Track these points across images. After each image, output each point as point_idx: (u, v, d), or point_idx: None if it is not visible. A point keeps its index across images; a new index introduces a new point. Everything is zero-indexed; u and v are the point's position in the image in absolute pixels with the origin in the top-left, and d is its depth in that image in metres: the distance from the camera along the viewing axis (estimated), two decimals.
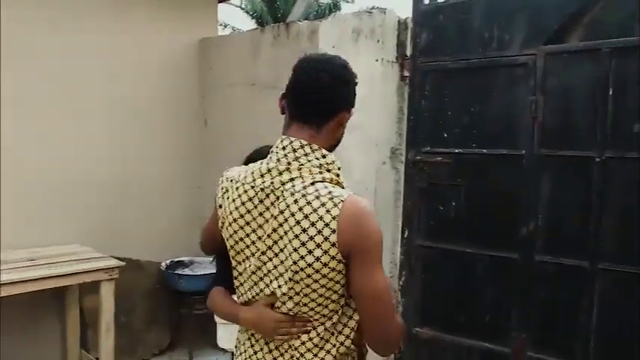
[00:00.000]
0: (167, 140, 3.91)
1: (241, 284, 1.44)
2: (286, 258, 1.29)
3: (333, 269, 1.26)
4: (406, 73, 3.34)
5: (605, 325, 2.55)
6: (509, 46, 2.85)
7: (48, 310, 3.39)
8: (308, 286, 1.28)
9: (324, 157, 1.35)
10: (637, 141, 2.48)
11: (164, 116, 3.89)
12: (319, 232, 1.24)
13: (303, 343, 1.34)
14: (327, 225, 1.24)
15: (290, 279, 1.29)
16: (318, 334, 1.33)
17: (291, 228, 1.27)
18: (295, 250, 1.26)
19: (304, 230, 1.25)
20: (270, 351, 1.39)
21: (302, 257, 1.25)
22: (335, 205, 1.24)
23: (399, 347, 1.84)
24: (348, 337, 1.35)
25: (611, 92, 2.54)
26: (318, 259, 1.24)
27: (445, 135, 3.07)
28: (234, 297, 1.51)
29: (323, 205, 1.25)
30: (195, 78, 4.05)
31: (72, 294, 3.37)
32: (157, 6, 3.80)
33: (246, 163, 1.61)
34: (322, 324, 1.33)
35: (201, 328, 3.95)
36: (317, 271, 1.25)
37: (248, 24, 15.92)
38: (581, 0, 2.64)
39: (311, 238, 1.24)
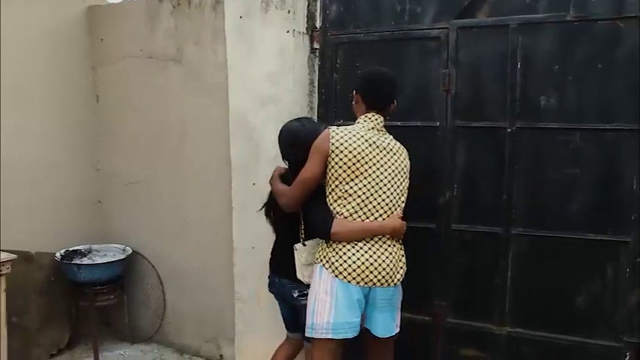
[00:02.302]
0: (54, 119, 3.53)
1: (360, 208, 2.27)
2: (401, 184, 2.36)
3: None
4: (316, 46, 3.27)
5: (519, 286, 2.70)
6: (421, 19, 2.87)
7: None
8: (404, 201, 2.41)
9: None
10: (544, 112, 2.62)
11: (49, 93, 3.51)
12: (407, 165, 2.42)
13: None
14: (407, 163, 2.44)
15: (403, 201, 2.39)
16: None
17: (401, 163, 2.37)
18: (404, 178, 2.38)
19: (405, 165, 2.40)
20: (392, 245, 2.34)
21: (405, 182, 2.38)
22: (406, 152, 2.44)
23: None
24: None
25: (519, 66, 2.65)
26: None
27: None
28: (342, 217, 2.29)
29: (405, 152, 2.43)
30: (85, 50, 3.68)
31: None
32: None
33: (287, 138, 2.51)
34: None
35: (105, 320, 3.70)
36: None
37: None
38: None
39: (407, 168, 2.42)
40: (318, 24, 3.24)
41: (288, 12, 3.14)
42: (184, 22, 3.32)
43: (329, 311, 2.24)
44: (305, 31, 3.23)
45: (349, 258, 2.25)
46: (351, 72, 3.03)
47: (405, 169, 2.40)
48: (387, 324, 2.37)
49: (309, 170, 2.31)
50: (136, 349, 3.57)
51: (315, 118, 3.27)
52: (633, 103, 2.48)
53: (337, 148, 2.26)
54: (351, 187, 2.26)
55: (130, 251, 3.53)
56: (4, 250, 2.84)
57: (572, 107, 2.59)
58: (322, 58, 3.19)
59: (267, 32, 3.15)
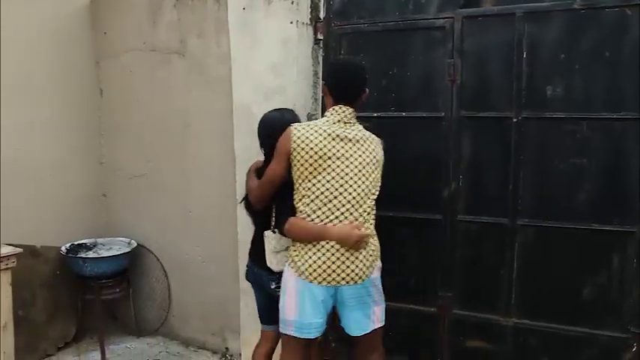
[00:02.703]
0: (58, 113, 3.52)
1: (319, 207, 2.17)
2: (370, 175, 2.23)
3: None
4: (320, 36, 3.25)
5: (526, 278, 2.69)
6: (426, 9, 2.85)
7: None
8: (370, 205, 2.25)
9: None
10: (550, 101, 2.60)
11: (53, 87, 3.49)
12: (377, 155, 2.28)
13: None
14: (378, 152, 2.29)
15: (373, 193, 2.26)
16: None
17: (369, 154, 2.24)
18: (374, 169, 2.25)
19: (374, 155, 2.26)
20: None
21: (374, 174, 2.25)
22: (378, 141, 2.31)
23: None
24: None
25: (525, 55, 2.63)
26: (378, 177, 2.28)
27: None
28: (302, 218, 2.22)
29: (376, 141, 2.30)
30: (88, 44, 3.67)
31: None
32: None
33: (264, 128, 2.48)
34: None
35: (110, 314, 3.71)
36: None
37: None
38: None
39: (377, 159, 2.28)
40: (321, 14, 3.22)
41: (292, 3, 3.12)
42: (187, 15, 3.30)
43: (294, 310, 2.22)
44: (309, 22, 3.21)
45: (310, 257, 2.19)
46: None
47: (375, 160, 2.26)
48: (359, 322, 2.28)
49: (272, 169, 2.28)
50: (142, 342, 3.57)
51: (320, 109, 3.26)
52: None
53: (299, 145, 2.18)
54: (314, 185, 2.18)
55: (135, 244, 3.53)
56: (9, 244, 2.84)
57: (578, 96, 2.56)
58: (326, 49, 3.17)
59: (271, 23, 3.13)
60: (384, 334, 2.43)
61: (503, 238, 2.71)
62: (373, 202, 2.26)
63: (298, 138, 2.19)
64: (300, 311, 2.21)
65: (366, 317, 2.28)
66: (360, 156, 2.22)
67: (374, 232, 2.28)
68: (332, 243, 2.16)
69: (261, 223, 2.50)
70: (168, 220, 3.53)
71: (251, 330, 3.13)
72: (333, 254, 2.17)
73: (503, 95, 2.68)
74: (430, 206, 2.84)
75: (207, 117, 3.28)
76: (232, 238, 3.13)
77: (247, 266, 2.59)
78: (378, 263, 2.30)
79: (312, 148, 2.17)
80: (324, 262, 2.17)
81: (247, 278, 2.60)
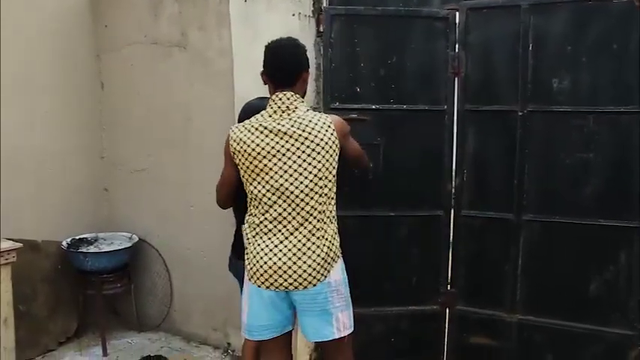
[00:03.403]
0: (59, 107, 3.49)
1: (262, 214, 2.05)
2: (315, 167, 2.01)
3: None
4: (322, 29, 3.21)
5: (531, 273, 2.66)
6: (430, 0, 2.82)
7: None
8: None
9: (302, 101, 2.12)
10: (556, 94, 2.56)
11: (54, 80, 3.45)
12: (325, 142, 2.03)
13: None
14: (325, 139, 2.02)
15: (321, 186, 2.05)
16: None
17: (314, 145, 2.00)
18: (321, 159, 2.01)
19: (318, 143, 2.01)
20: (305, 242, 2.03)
21: (322, 164, 2.02)
22: (328, 122, 2.05)
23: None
24: None
25: (530, 47, 2.59)
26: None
27: (358, 89, 2.83)
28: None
29: (322, 125, 2.02)
30: (89, 37, 3.63)
31: None
32: None
33: (244, 117, 2.23)
34: None
35: (112, 309, 3.70)
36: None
37: None
38: None
39: (324, 147, 2.03)
40: (324, 7, 3.18)
41: None
42: (189, 8, 3.27)
43: (245, 312, 2.17)
44: (311, 15, 3.18)
45: (257, 261, 2.05)
46: (354, 55, 2.93)
47: (319, 150, 2.00)
48: (316, 328, 2.10)
49: (223, 173, 2.22)
50: (144, 337, 3.55)
51: (322, 103, 3.22)
52: None
53: (235, 148, 2.07)
54: (255, 187, 2.05)
55: (137, 239, 3.51)
56: (9, 239, 2.83)
57: (585, 90, 2.53)
58: (326, 40, 3.11)
59: (273, 16, 3.10)
60: (386, 340, 2.39)
61: (508, 233, 2.67)
62: (324, 198, 2.04)
63: (234, 140, 2.07)
64: (249, 313, 2.14)
65: (326, 323, 2.09)
66: (298, 149, 1.99)
67: (330, 231, 2.06)
68: (280, 247, 2.01)
69: (240, 218, 2.45)
70: (170, 214, 3.50)
71: None
72: (279, 258, 2.00)
73: (509, 88, 2.64)
74: (434, 201, 2.81)
75: (208, 110, 3.25)
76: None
77: (229, 258, 2.58)
78: (338, 265, 2.10)
79: (246, 150, 2.03)
80: (270, 267, 2.01)
81: (230, 269, 2.59)
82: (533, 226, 2.63)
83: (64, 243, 3.37)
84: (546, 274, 2.63)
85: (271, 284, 2.04)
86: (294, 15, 3.08)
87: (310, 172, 2.00)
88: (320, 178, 2.02)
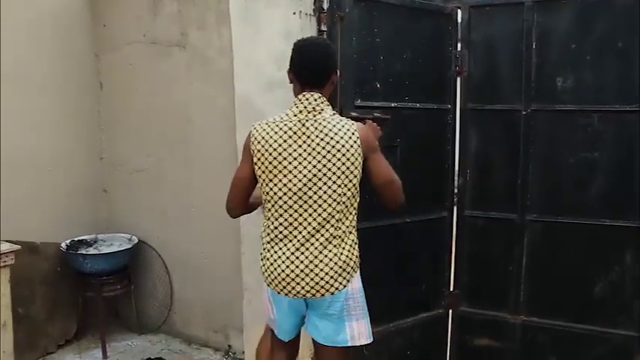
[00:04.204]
0: (57, 107, 3.45)
1: (280, 215, 1.97)
2: (332, 183, 1.92)
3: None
4: (324, 27, 3.18)
5: (535, 274, 2.63)
6: None
7: None
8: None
9: (329, 104, 2.01)
10: (560, 93, 2.53)
11: (52, 80, 3.42)
12: (347, 149, 1.93)
13: None
14: (348, 145, 1.92)
15: (340, 194, 1.96)
16: None
17: (336, 151, 1.91)
18: (341, 167, 1.92)
19: (339, 149, 1.91)
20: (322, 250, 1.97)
21: (344, 173, 1.93)
22: (353, 129, 1.94)
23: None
24: None
25: (534, 46, 2.56)
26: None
27: (378, 85, 2.66)
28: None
29: (347, 130, 1.93)
30: (87, 36, 3.59)
31: None
32: None
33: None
34: None
35: (112, 311, 3.66)
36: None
37: None
38: None
39: (345, 154, 1.92)
40: (325, 5, 3.15)
41: None
42: (188, 6, 3.23)
43: (274, 311, 2.11)
44: (312, 13, 3.14)
45: (271, 265, 2.01)
46: (365, 50, 2.87)
47: (341, 155, 1.91)
48: (330, 334, 2.03)
49: (238, 170, 2.08)
50: (144, 339, 3.52)
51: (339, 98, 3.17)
52: None
53: (256, 146, 1.96)
54: (271, 189, 1.96)
55: (137, 241, 3.48)
56: (8, 241, 2.79)
57: (590, 88, 2.51)
58: (329, 39, 3.09)
59: (273, 14, 3.06)
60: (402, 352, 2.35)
61: (512, 233, 2.66)
62: (342, 206, 1.94)
63: (255, 138, 1.97)
64: (278, 314, 2.10)
65: (341, 330, 2.02)
66: (319, 153, 1.91)
67: (348, 240, 1.98)
68: (297, 254, 1.94)
69: None
70: (170, 215, 3.47)
71: (255, 327, 3.08)
72: (297, 266, 1.94)
73: (512, 87, 2.63)
74: (437, 201, 2.78)
75: (208, 110, 3.22)
76: (235, 234, 3.08)
77: None
78: (357, 274, 2.03)
79: (267, 149, 1.93)
80: (287, 275, 1.96)
81: None
82: (536, 227, 2.61)
83: (63, 245, 3.34)
84: (550, 274, 2.61)
85: (289, 292, 1.98)
86: (294, 13, 3.04)
87: (329, 178, 1.91)
88: (339, 185, 1.93)
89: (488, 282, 2.75)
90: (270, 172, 1.94)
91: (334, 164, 1.90)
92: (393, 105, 2.61)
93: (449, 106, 2.74)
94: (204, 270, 3.36)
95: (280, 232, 1.97)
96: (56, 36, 3.44)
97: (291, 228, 1.96)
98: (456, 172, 2.79)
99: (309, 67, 1.99)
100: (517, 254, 2.64)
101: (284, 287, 1.98)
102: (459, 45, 2.71)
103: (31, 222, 3.26)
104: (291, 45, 3.04)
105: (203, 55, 3.18)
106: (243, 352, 3.20)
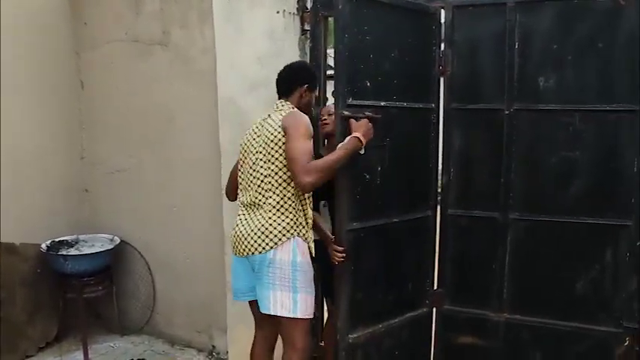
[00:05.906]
0: (37, 105, 3.40)
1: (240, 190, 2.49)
2: (262, 163, 2.36)
3: None
4: (307, 27, 3.18)
5: (518, 272, 2.65)
6: None
7: None
8: None
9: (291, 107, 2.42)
10: (542, 93, 2.55)
11: (32, 78, 3.37)
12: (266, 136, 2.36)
13: None
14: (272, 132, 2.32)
15: (257, 176, 2.40)
16: None
17: (262, 138, 2.35)
18: (259, 152, 2.38)
19: (260, 136, 2.38)
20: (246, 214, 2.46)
21: (268, 160, 2.34)
22: (280, 118, 2.34)
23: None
24: None
25: (516, 46, 2.58)
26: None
27: (368, 84, 2.55)
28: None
29: (275, 120, 2.35)
30: (67, 35, 3.55)
31: None
32: None
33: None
34: None
35: (93, 312, 3.62)
36: None
37: None
38: None
39: (264, 140, 2.35)
40: (308, 4, 3.16)
41: None
42: (170, 5, 3.20)
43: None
44: (295, 12, 3.15)
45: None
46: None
47: (269, 141, 2.30)
48: (260, 298, 2.34)
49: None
50: (126, 340, 3.49)
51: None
52: (634, 83, 2.41)
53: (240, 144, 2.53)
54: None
55: (119, 241, 3.44)
56: None
57: (571, 88, 2.53)
58: (313, 39, 3.10)
59: (256, 13, 3.05)
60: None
61: (495, 232, 2.67)
62: (269, 185, 2.30)
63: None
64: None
65: (264, 296, 2.31)
66: (255, 141, 2.40)
67: (270, 211, 2.28)
68: (240, 217, 2.39)
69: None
70: (152, 216, 3.44)
71: (239, 328, 3.06)
72: (236, 224, 2.39)
73: (495, 87, 2.64)
74: (420, 200, 2.78)
75: (191, 110, 3.20)
76: (218, 234, 3.06)
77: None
78: (288, 247, 2.27)
79: (240, 144, 2.50)
80: (233, 236, 2.41)
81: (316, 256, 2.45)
82: (519, 225, 2.63)
83: (43, 245, 3.29)
84: (533, 272, 2.63)
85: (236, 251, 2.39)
86: (278, 12, 3.04)
87: (260, 160, 2.34)
88: (262, 167, 2.33)
89: (472, 280, 2.76)
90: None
91: (264, 148, 2.33)
92: (382, 104, 2.57)
93: (433, 105, 2.75)
94: (187, 270, 3.34)
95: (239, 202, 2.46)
96: (36, 34, 3.39)
97: (241, 200, 2.43)
98: (440, 172, 2.79)
99: (277, 83, 2.48)
100: (500, 252, 2.66)
101: (233, 247, 2.42)
102: (443, 45, 2.72)
103: (9, 222, 3.21)
104: (275, 44, 3.07)
105: (185, 54, 3.16)
106: (227, 352, 3.18)
